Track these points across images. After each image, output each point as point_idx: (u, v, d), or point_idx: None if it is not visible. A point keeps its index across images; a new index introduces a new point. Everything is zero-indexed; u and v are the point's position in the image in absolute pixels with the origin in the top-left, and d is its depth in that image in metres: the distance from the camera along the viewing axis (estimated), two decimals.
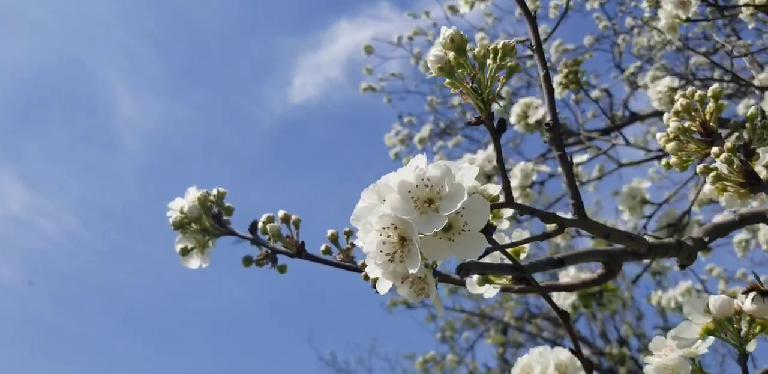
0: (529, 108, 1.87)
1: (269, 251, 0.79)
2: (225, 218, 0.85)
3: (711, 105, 0.72)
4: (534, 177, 1.80)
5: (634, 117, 4.67)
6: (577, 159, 2.00)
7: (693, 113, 0.73)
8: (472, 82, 0.54)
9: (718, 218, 1.16)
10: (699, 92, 0.73)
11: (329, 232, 0.78)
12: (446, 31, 0.54)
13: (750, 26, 1.67)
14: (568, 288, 0.72)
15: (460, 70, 0.54)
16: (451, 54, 0.53)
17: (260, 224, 0.79)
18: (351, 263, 0.76)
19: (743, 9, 1.65)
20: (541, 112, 1.86)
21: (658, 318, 4.93)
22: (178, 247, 0.82)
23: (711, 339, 0.65)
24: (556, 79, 2.00)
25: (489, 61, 0.54)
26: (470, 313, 4.63)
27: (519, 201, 1.90)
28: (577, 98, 2.04)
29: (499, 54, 0.53)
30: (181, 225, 0.80)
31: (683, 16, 1.66)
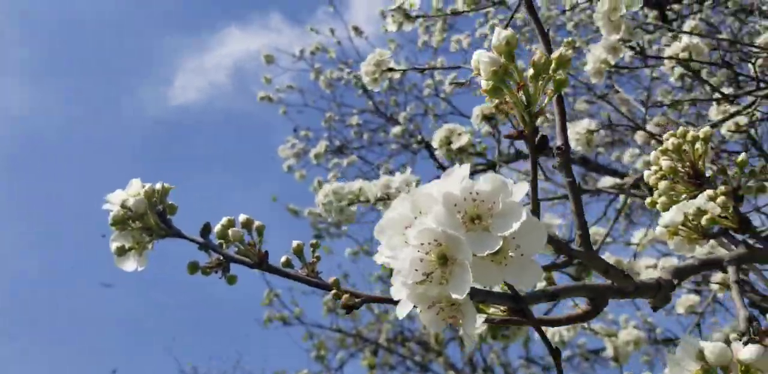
0: (452, 134, 1.86)
1: (222, 258, 0.70)
2: (168, 217, 0.75)
3: (700, 147, 0.72)
4: None
5: (519, 155, 4.86)
6: None
7: (683, 154, 0.72)
8: (518, 92, 0.49)
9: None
10: (692, 133, 0.72)
11: (294, 243, 0.71)
12: (502, 33, 0.49)
13: (672, 79, 1.76)
14: (553, 322, 0.69)
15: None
16: (502, 59, 0.49)
17: (218, 228, 0.70)
18: (317, 280, 0.69)
19: (666, 62, 1.73)
20: (464, 139, 1.86)
21: (522, 349, 5.10)
22: (114, 246, 0.71)
23: None
24: (478, 111, 2.00)
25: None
26: (346, 333, 4.57)
27: None
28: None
29: (552, 65, 0.49)
30: (122, 221, 0.70)
31: (612, 62, 1.72)
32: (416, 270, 0.43)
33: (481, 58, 0.48)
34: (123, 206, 0.70)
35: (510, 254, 0.43)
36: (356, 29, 5.86)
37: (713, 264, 0.85)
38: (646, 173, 0.74)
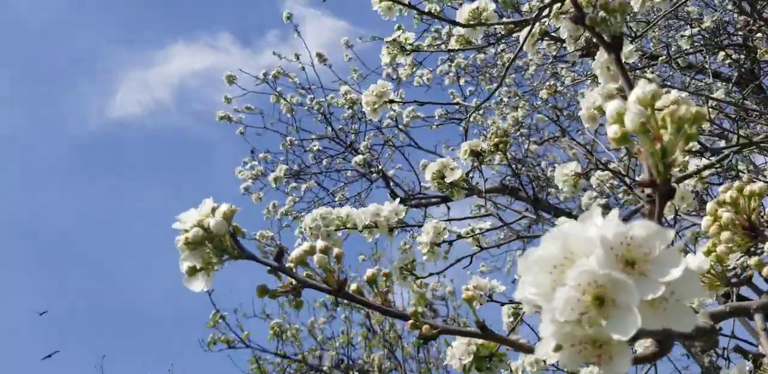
0: (446, 168, 1.89)
1: (296, 283, 0.70)
2: (238, 238, 0.74)
3: (754, 201, 0.77)
4: (445, 236, 1.80)
5: (471, 191, 4.95)
6: (480, 224, 2.05)
7: (738, 207, 0.77)
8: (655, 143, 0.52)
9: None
10: (749, 187, 0.77)
11: (369, 272, 0.71)
12: (647, 87, 0.51)
13: None
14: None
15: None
16: (648, 111, 0.51)
17: (298, 253, 0.70)
18: (394, 309, 0.69)
19: None
20: (457, 174, 1.89)
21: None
22: (186, 266, 0.70)
23: None
24: (466, 146, 2.03)
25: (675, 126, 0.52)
26: (291, 359, 4.49)
27: (424, 258, 1.88)
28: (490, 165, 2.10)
29: (690, 120, 0.52)
30: (201, 242, 0.69)
31: (605, 109, 1.80)
32: (571, 310, 0.45)
33: (630, 108, 0.51)
34: (201, 226, 0.69)
35: (665, 298, 0.45)
36: (320, 56, 5.89)
37: (742, 311, 0.89)
38: (703, 223, 0.77)
